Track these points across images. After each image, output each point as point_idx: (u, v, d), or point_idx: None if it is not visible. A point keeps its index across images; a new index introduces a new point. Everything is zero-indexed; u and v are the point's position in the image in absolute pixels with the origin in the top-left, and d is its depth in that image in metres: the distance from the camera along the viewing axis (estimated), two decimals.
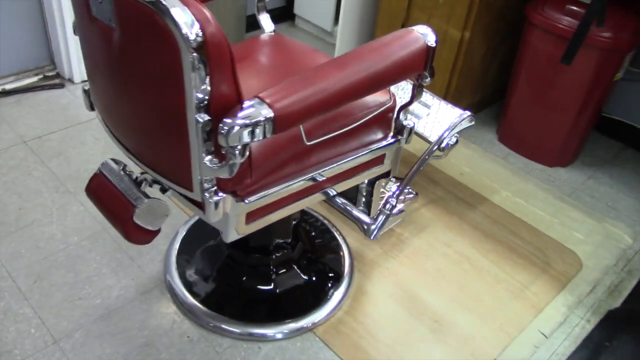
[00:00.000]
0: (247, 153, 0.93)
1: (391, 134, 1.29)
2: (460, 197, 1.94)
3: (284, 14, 2.91)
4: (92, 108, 1.24)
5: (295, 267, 1.53)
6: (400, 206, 1.46)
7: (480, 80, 2.24)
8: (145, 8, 0.83)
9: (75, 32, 1.16)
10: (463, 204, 1.91)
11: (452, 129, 1.28)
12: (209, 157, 0.94)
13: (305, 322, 1.45)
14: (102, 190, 1.13)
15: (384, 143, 1.27)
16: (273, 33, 1.49)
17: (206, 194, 0.99)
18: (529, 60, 2.04)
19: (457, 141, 1.49)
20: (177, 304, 1.48)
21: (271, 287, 1.50)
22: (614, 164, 2.22)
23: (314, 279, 1.55)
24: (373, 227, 1.21)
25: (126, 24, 0.88)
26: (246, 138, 0.89)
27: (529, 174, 2.11)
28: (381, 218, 1.21)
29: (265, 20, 1.48)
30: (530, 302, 1.60)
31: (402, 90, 1.62)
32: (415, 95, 1.20)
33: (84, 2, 0.94)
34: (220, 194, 1.01)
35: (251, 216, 1.11)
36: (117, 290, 1.49)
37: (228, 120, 0.88)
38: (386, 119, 1.26)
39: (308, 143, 1.08)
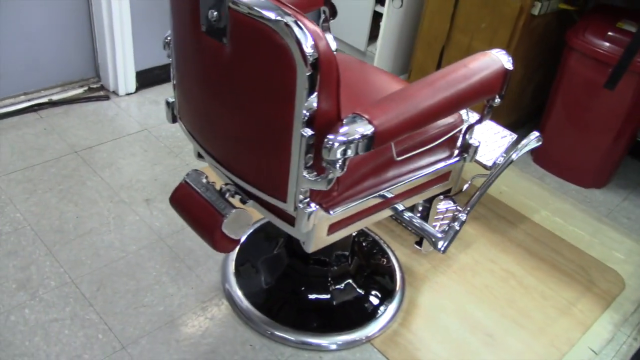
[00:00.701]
0: (346, 167, 0.97)
1: (456, 152, 1.34)
2: (502, 215, 1.98)
3: None
4: (174, 120, 1.29)
5: (351, 281, 1.57)
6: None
7: (517, 102, 2.30)
8: (264, 27, 0.88)
9: (165, 47, 1.21)
10: (504, 221, 1.95)
11: (522, 149, 1.34)
12: (308, 169, 0.99)
13: (362, 333, 1.49)
14: (188, 200, 1.18)
15: (451, 161, 1.32)
16: (336, 52, 1.55)
17: (300, 205, 1.04)
18: (567, 84, 2.10)
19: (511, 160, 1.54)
20: (237, 312, 1.51)
21: (329, 298, 1.54)
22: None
23: (368, 291, 1.59)
24: (443, 241, 1.25)
25: (241, 42, 0.93)
26: (349, 153, 0.93)
27: (565, 194, 2.16)
28: (451, 233, 1.26)
29: (329, 40, 1.54)
30: (578, 319, 1.64)
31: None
32: (484, 115, 1.25)
33: (192, 20, 0.99)
34: (312, 205, 1.05)
35: (333, 228, 1.15)
36: (179, 299, 1.53)
37: (331, 136, 0.93)
38: (454, 138, 1.31)
39: (398, 159, 1.12)
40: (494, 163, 1.49)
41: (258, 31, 0.89)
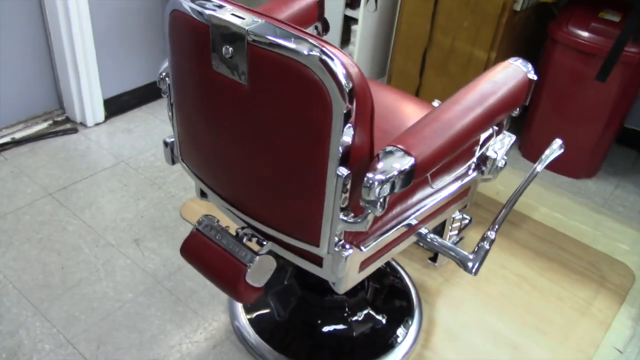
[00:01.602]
0: (387, 205, 0.89)
1: (474, 166, 1.28)
2: None
3: None
4: (173, 162, 1.18)
5: (370, 308, 1.49)
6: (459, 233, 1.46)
7: None
8: (293, 62, 0.79)
9: (159, 84, 1.10)
10: (507, 223, 1.91)
11: (546, 160, 1.29)
12: (343, 211, 0.90)
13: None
14: (202, 250, 1.07)
15: (472, 176, 1.25)
16: None
17: (336, 249, 0.95)
18: (552, 77, 2.08)
19: (505, 164, 1.49)
20: (251, 352, 1.41)
21: (347, 329, 1.45)
22: (635, 171, 2.28)
23: (386, 316, 1.51)
24: (473, 262, 1.19)
25: (263, 79, 0.83)
26: (389, 190, 0.85)
27: (559, 187, 2.14)
28: (482, 253, 1.19)
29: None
30: (597, 318, 1.61)
31: None
32: (503, 126, 1.20)
33: (200, 57, 0.89)
34: (348, 247, 0.96)
35: (364, 264, 1.07)
36: (188, 346, 1.41)
37: (370, 174, 0.85)
38: (472, 152, 1.24)
39: (434, 187, 1.05)
40: (497, 167, 1.44)
41: (285, 67, 0.80)
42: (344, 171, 0.86)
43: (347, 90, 0.79)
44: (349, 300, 1.45)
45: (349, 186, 0.88)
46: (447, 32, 2.10)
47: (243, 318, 1.48)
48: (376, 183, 0.84)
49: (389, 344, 1.45)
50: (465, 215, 1.52)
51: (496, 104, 1.00)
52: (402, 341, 1.46)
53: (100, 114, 2.17)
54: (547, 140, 2.18)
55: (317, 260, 1.06)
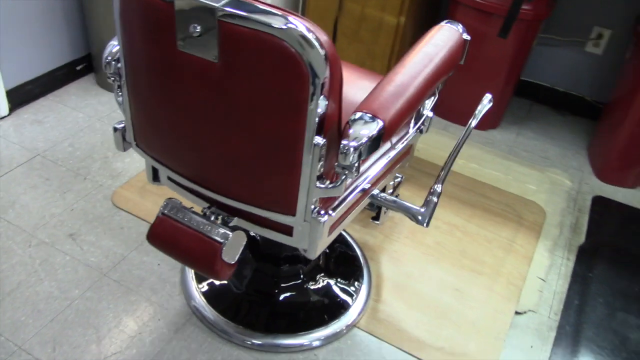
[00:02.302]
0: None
1: (413, 125, 1.36)
2: (427, 171, 2.07)
3: None
4: (125, 148, 1.14)
5: (323, 273, 1.55)
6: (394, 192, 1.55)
7: None
8: (269, 37, 0.80)
9: (105, 67, 1.06)
10: (431, 177, 2.04)
11: (479, 115, 1.38)
12: (320, 179, 0.94)
13: (346, 320, 1.48)
14: (172, 234, 1.06)
15: (412, 134, 1.33)
16: None
17: (313, 216, 0.99)
18: None
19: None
20: (215, 331, 1.42)
21: (305, 295, 1.51)
22: (531, 119, 2.51)
23: (339, 278, 1.58)
24: (423, 216, 1.28)
25: (237, 56, 0.83)
26: (365, 153, 0.90)
27: (470, 140, 2.31)
28: (431, 206, 1.28)
29: None
30: (520, 253, 1.79)
31: None
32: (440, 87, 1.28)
33: (162, 37, 0.87)
34: (322, 212, 1.01)
35: (332, 228, 1.12)
36: (149, 335, 1.40)
37: (345, 141, 0.89)
38: (417, 112, 1.32)
39: (395, 146, 1.11)
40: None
41: (260, 42, 0.81)
42: (319, 140, 0.90)
43: (324, 62, 0.82)
44: (303, 268, 1.50)
45: (323, 154, 0.92)
46: (357, 0, 2.16)
47: (199, 297, 1.48)
48: (352, 149, 0.89)
49: (345, 304, 1.52)
50: (397, 174, 1.61)
51: (441, 64, 1.07)
52: (356, 299, 1.54)
53: (4, 106, 2.01)
54: (456, 98, 2.35)
55: (287, 230, 1.10)
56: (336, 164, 0.93)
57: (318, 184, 0.95)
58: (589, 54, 2.42)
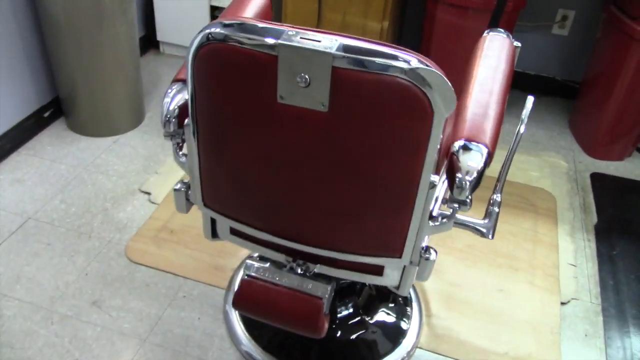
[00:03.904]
0: None
1: None
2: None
3: (145, 44, 2.63)
4: (188, 210, 1.04)
5: (377, 301, 1.49)
6: None
7: None
8: (390, 80, 0.73)
9: (166, 125, 0.95)
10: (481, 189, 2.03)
11: (526, 118, 1.37)
12: (432, 218, 0.89)
13: (408, 343, 1.44)
14: (264, 296, 0.97)
15: None
16: None
17: (425, 255, 0.93)
18: (436, 34, 2.21)
19: None
20: None
21: (364, 327, 1.45)
22: (510, 105, 2.56)
23: (389, 303, 1.53)
24: (488, 226, 1.25)
25: (351, 102, 0.76)
26: (479, 184, 0.86)
27: None
28: (494, 216, 1.26)
29: None
30: (546, 242, 1.81)
31: None
32: None
33: (259, 91, 0.79)
34: (431, 250, 0.96)
35: None
36: None
37: (460, 175, 0.85)
38: None
39: None
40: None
41: (380, 85, 0.74)
42: (435, 178, 0.84)
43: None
44: (356, 299, 1.44)
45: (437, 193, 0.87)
46: (336, 9, 2.11)
47: (252, 345, 1.39)
48: (468, 183, 0.84)
49: (401, 328, 1.48)
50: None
51: (507, 75, 1.05)
52: (410, 319, 1.50)
53: None
54: None
55: (377, 271, 1.04)
56: (447, 198, 0.88)
57: (430, 223, 0.89)
58: (556, 36, 2.49)
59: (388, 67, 0.73)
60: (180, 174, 1.94)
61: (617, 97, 2.11)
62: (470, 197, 0.87)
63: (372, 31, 2.10)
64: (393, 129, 0.78)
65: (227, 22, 0.78)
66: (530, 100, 1.36)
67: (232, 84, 0.81)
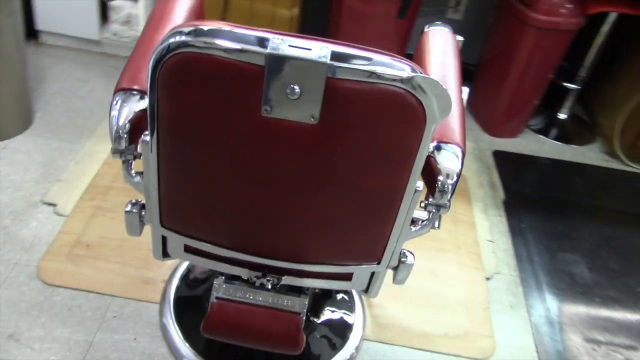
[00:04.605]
0: None
1: None
2: None
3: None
4: (140, 232, 0.94)
5: (322, 299, 1.47)
6: None
7: None
8: (385, 89, 0.70)
9: (117, 142, 0.84)
10: None
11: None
12: (413, 223, 0.89)
13: (355, 337, 1.44)
14: (237, 318, 0.91)
15: None
16: None
17: (403, 260, 0.92)
18: (344, 19, 2.20)
19: None
20: None
21: (310, 327, 1.42)
22: None
23: (336, 298, 1.52)
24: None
25: (343, 113, 0.72)
26: (456, 184, 0.87)
27: None
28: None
29: None
30: (464, 221, 1.90)
31: None
32: None
33: (241, 105, 0.71)
34: (407, 254, 0.95)
35: None
36: None
37: (441, 178, 0.85)
38: None
39: None
40: None
41: (375, 95, 0.71)
42: (420, 184, 0.83)
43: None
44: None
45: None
46: None
47: (191, 353, 1.31)
48: (450, 186, 0.84)
49: (346, 322, 1.48)
50: None
51: (459, 69, 1.07)
52: (354, 312, 1.50)
53: None
54: None
55: (346, 277, 1.01)
56: (427, 202, 0.87)
57: (412, 228, 0.88)
58: (450, 20, 2.60)
59: (384, 75, 0.70)
60: (86, 180, 1.76)
61: (513, 78, 2.25)
62: (449, 199, 0.87)
63: (281, 19, 2.05)
64: (386, 139, 0.75)
65: (204, 27, 0.69)
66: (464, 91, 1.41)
67: (208, 97, 0.73)
